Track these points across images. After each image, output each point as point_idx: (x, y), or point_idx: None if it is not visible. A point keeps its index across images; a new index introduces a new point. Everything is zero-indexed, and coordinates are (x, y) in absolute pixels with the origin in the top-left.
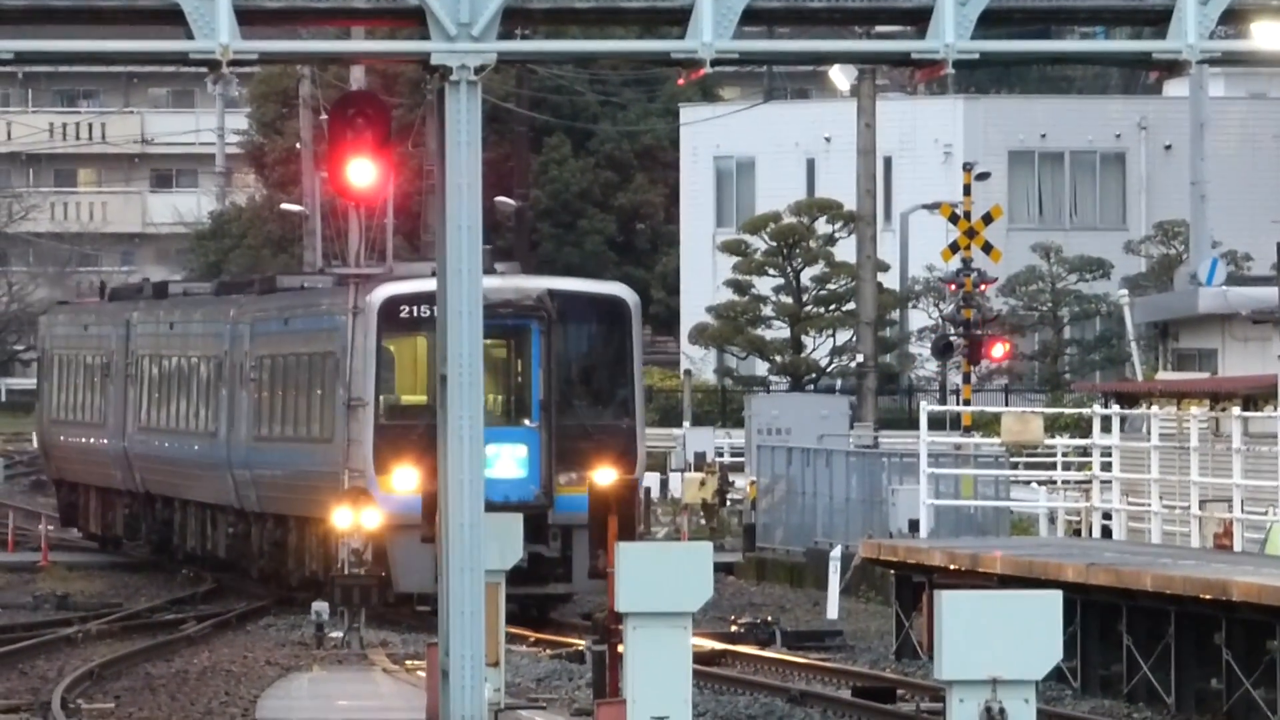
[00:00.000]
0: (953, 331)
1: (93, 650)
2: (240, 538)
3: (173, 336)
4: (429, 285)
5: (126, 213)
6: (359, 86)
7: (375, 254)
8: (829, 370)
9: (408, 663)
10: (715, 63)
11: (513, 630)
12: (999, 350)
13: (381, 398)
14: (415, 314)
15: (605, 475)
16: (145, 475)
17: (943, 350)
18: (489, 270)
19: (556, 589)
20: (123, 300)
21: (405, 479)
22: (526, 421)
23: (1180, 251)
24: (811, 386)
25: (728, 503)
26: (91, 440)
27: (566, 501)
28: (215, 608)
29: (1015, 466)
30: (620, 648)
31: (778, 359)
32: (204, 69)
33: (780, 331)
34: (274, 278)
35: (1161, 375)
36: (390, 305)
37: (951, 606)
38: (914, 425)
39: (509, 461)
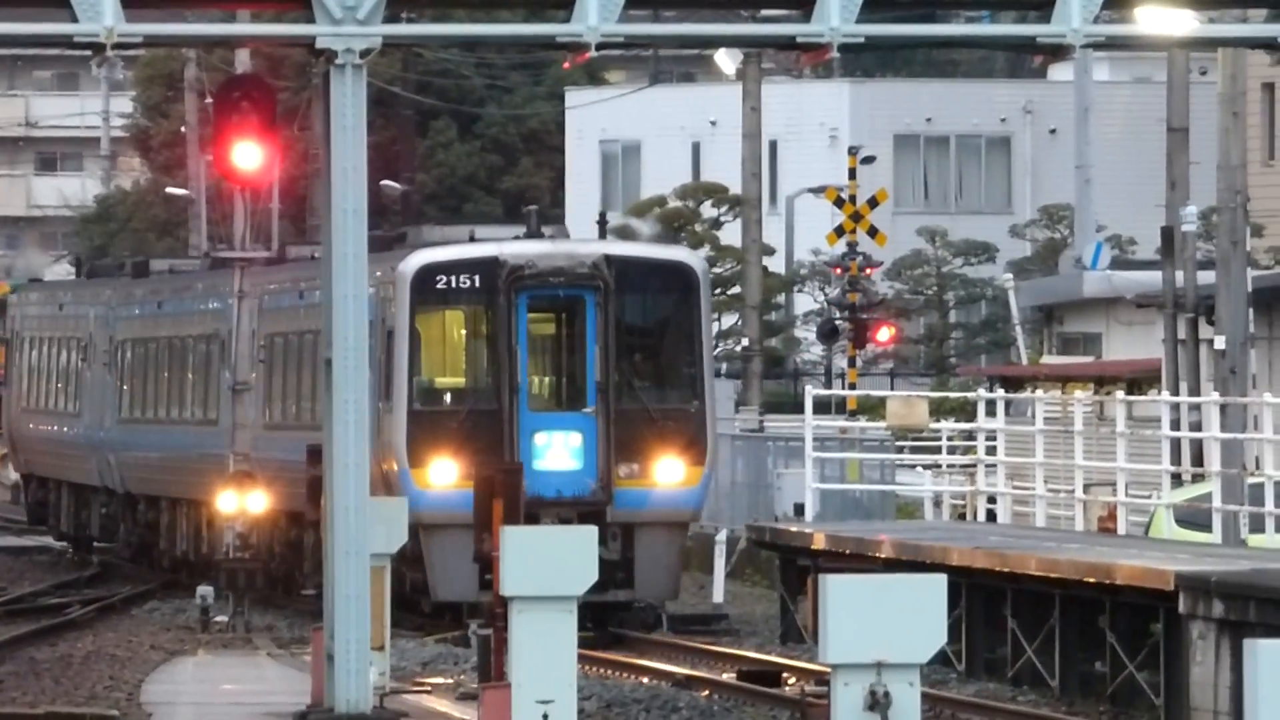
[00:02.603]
0: (838, 315)
1: None
2: (247, 541)
3: (161, 316)
4: (467, 252)
5: (11, 196)
6: (244, 70)
7: (260, 238)
8: (715, 354)
9: (293, 647)
10: (600, 46)
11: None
12: (884, 334)
13: (415, 381)
14: (453, 284)
15: (672, 468)
16: (126, 472)
17: (828, 334)
18: (535, 234)
19: (617, 596)
20: (102, 278)
21: (443, 472)
22: (581, 406)
23: (1065, 235)
24: None
25: None
26: (66, 431)
27: (627, 496)
28: (100, 591)
29: (900, 450)
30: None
31: None
32: (88, 52)
33: None
34: (284, 247)
35: (1046, 359)
36: (425, 275)
37: (836, 590)
38: (799, 409)
39: (561, 451)
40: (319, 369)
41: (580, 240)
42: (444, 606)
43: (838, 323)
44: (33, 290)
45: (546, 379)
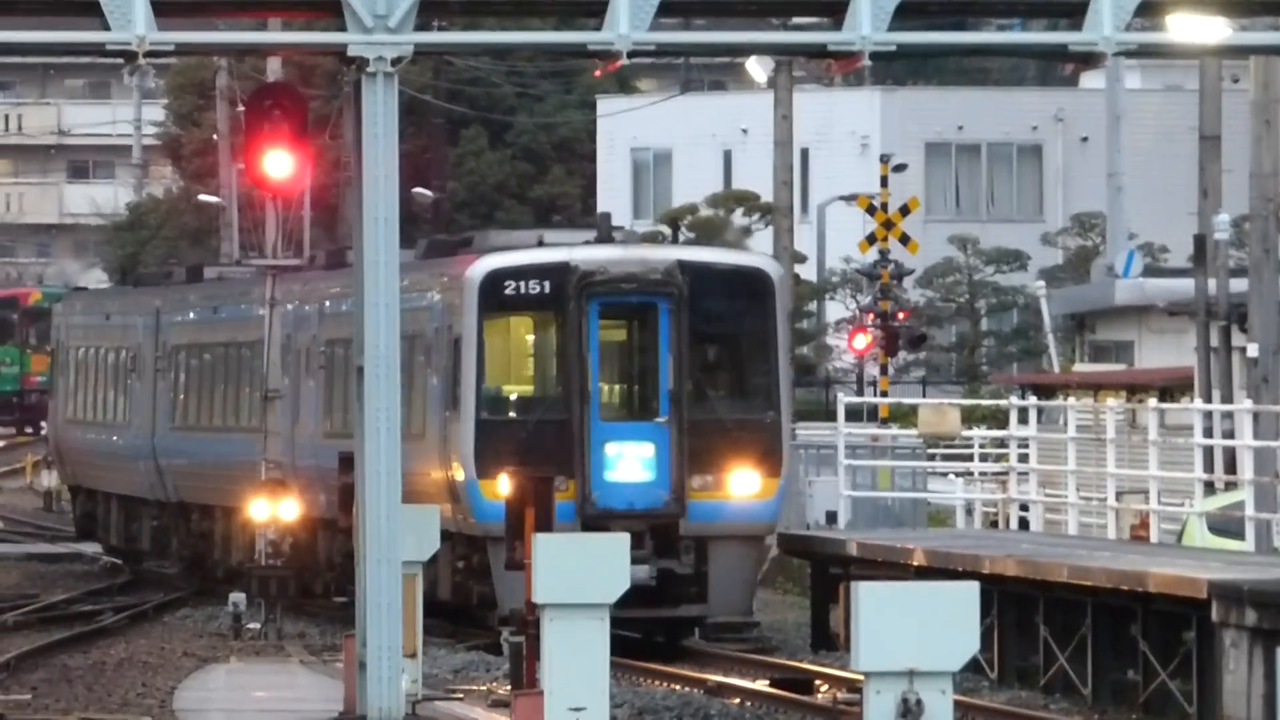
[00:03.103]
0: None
1: (9, 642)
2: (304, 551)
3: (216, 323)
4: (534, 257)
5: (43, 204)
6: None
7: (292, 246)
8: None
9: (325, 654)
10: (632, 54)
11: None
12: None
13: (482, 389)
14: (522, 291)
15: (747, 480)
16: (179, 481)
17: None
18: (606, 238)
19: (689, 611)
20: (149, 285)
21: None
22: (654, 416)
23: (1097, 243)
24: None
25: None
26: (114, 441)
27: (701, 509)
28: (132, 599)
29: (932, 458)
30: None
31: None
32: (120, 60)
33: None
34: (342, 250)
35: (1078, 367)
36: (493, 281)
37: (868, 598)
38: (831, 417)
39: (633, 462)
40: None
41: (652, 245)
42: (511, 621)
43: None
44: (77, 299)
45: (618, 388)
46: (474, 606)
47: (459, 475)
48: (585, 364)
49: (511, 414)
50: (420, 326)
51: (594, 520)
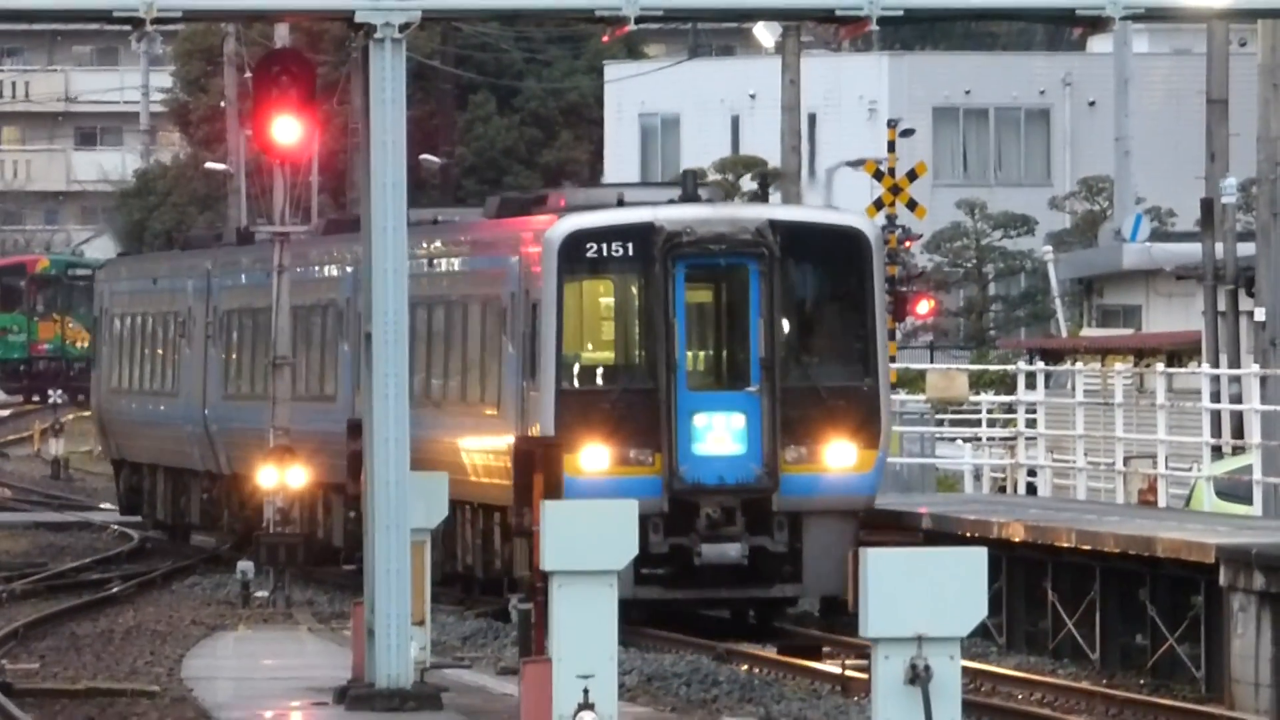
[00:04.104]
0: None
1: (17, 610)
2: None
3: (270, 287)
4: (620, 217)
5: (51, 171)
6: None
7: (300, 212)
8: None
9: (333, 622)
10: (639, 20)
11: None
12: (924, 307)
13: (563, 358)
14: (604, 253)
15: (843, 452)
16: (231, 452)
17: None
18: (692, 196)
19: (784, 590)
20: (198, 248)
21: (596, 457)
22: (744, 385)
23: (1105, 208)
24: None
25: None
26: (162, 411)
27: (795, 482)
28: (140, 567)
29: (940, 423)
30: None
31: None
32: (128, 27)
33: None
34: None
35: (1086, 332)
36: (574, 243)
37: (877, 564)
38: None
39: (723, 434)
40: (435, 337)
41: (741, 204)
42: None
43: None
44: (122, 264)
45: (706, 355)
46: None
47: None
48: (672, 330)
49: (593, 384)
50: (493, 290)
51: (682, 495)
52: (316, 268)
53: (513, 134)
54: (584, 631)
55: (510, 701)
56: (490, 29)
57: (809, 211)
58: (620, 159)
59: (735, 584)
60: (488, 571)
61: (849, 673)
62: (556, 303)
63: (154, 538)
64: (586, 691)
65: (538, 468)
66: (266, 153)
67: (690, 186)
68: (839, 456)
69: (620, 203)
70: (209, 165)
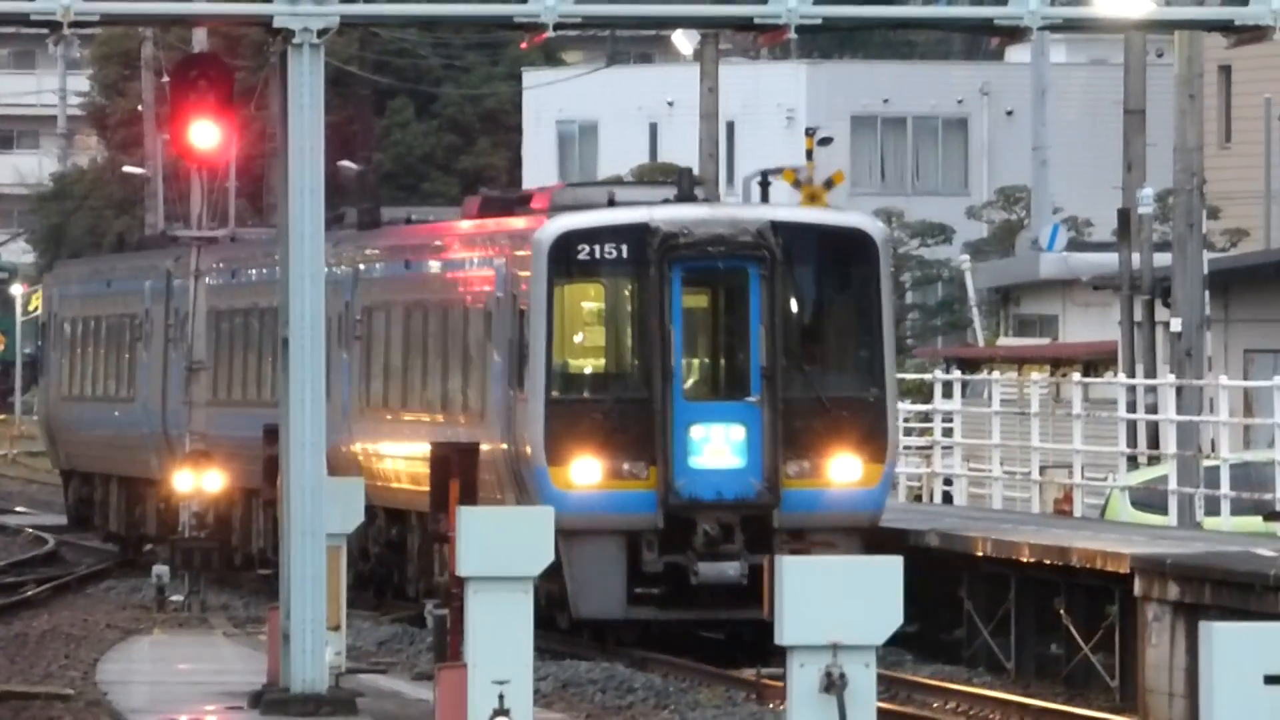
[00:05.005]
0: None
1: None
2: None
3: (236, 287)
4: (613, 217)
5: None
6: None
7: (217, 217)
8: None
9: (249, 626)
10: (558, 26)
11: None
12: None
13: (553, 365)
14: (597, 255)
15: (848, 466)
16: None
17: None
18: (687, 196)
19: None
20: (155, 249)
21: (586, 471)
22: (744, 395)
23: (1022, 217)
24: None
25: None
26: (117, 418)
27: (797, 498)
28: (55, 570)
29: None
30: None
31: None
32: (45, 30)
33: None
34: (377, 209)
35: (1003, 341)
36: (565, 244)
37: (792, 572)
38: None
39: (721, 447)
40: (413, 343)
41: (741, 205)
42: (585, 624)
43: None
44: (72, 266)
45: (704, 363)
46: (542, 607)
47: (526, 462)
48: (668, 336)
49: (585, 393)
50: (477, 293)
51: (678, 511)
52: (265, 270)
53: (431, 140)
54: (499, 637)
55: (426, 707)
56: (409, 35)
57: (813, 212)
58: (538, 166)
59: (734, 605)
60: None
61: (764, 680)
62: (546, 307)
63: (69, 541)
64: (502, 697)
65: (454, 473)
66: (184, 157)
67: (686, 186)
68: (843, 471)
69: (611, 202)
70: (126, 169)
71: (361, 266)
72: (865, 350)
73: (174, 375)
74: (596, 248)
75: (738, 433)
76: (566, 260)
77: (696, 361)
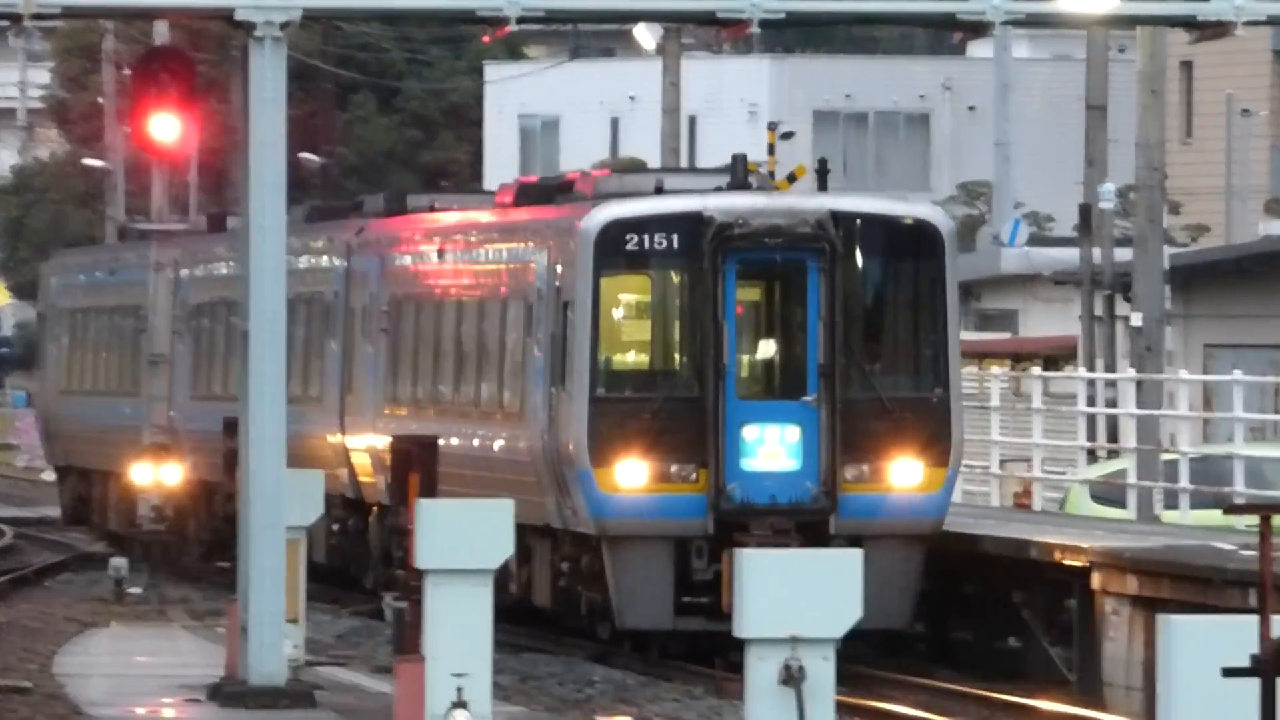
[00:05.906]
0: None
1: None
2: (354, 535)
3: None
4: (664, 206)
5: None
6: (163, 41)
7: (178, 209)
8: None
9: (207, 619)
10: (521, 20)
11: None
12: None
13: (598, 362)
14: (646, 246)
15: (909, 470)
16: (199, 458)
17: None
18: (742, 184)
19: None
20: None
21: (633, 473)
22: (801, 394)
23: (983, 212)
24: None
25: None
26: (119, 413)
27: (856, 503)
28: (12, 563)
29: None
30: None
31: None
32: (5, 22)
33: None
34: (404, 196)
35: (964, 335)
36: (612, 234)
37: (752, 565)
38: None
39: (776, 449)
40: (445, 336)
41: (799, 194)
42: (628, 635)
43: None
44: (72, 256)
45: (759, 361)
46: (582, 615)
47: (568, 463)
48: (721, 333)
49: (632, 391)
50: (516, 285)
51: (730, 516)
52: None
53: (393, 134)
54: (458, 630)
55: (385, 700)
56: (372, 29)
57: (876, 201)
58: (500, 160)
59: None
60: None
61: (722, 674)
62: (592, 301)
63: (30, 535)
64: (460, 690)
65: (414, 466)
66: (145, 150)
67: (740, 173)
68: (904, 475)
69: (659, 190)
70: (88, 162)
71: (389, 255)
72: (929, 349)
73: (179, 369)
74: (646, 238)
75: (793, 434)
76: (613, 251)
77: (750, 359)
